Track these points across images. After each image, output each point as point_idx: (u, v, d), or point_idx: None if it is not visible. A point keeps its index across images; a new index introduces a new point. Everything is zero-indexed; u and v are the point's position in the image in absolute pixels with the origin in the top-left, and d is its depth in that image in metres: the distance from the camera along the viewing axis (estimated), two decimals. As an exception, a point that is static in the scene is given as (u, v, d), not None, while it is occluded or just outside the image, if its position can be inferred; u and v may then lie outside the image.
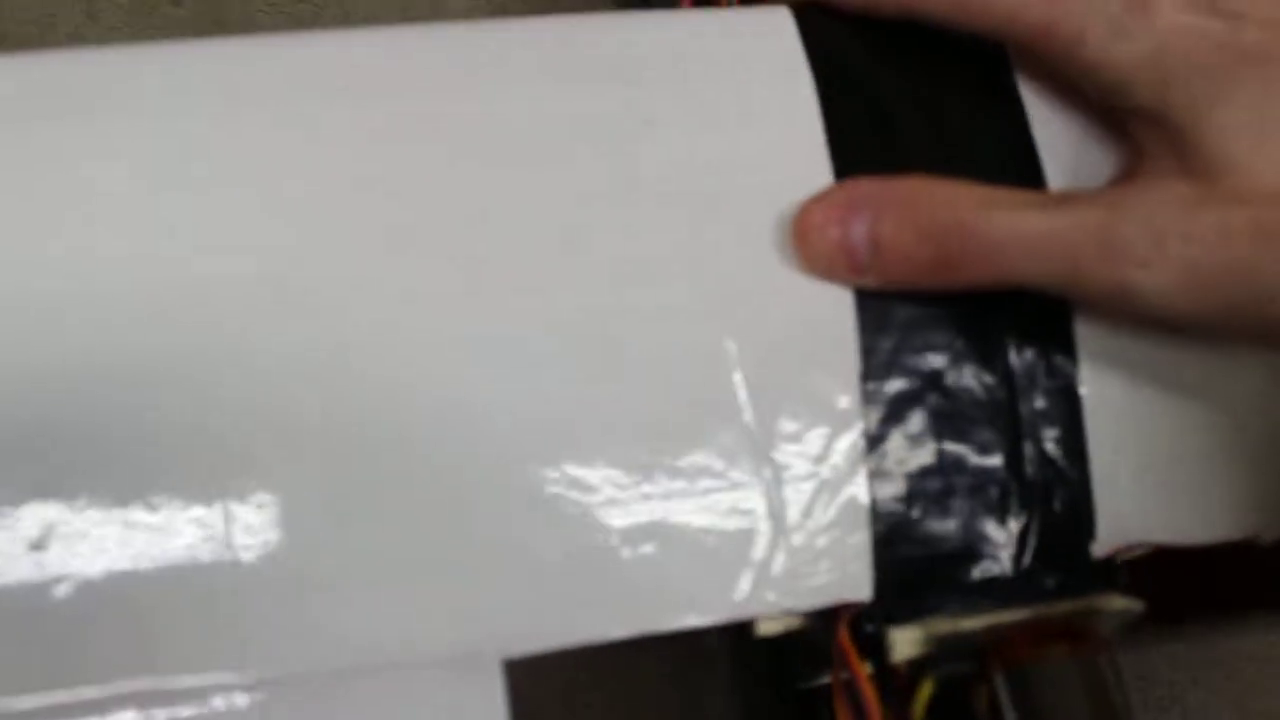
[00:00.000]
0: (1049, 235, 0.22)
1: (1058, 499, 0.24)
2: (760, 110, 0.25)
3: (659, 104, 0.25)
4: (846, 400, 0.24)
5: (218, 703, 0.22)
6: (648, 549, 0.23)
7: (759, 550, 0.23)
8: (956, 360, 0.24)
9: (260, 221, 0.24)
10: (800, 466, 0.23)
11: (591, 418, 0.23)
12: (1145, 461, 0.24)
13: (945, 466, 0.24)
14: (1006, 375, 0.24)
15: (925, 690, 0.24)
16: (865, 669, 0.23)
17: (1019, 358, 0.24)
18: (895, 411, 0.24)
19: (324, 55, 0.26)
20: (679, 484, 0.23)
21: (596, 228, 0.24)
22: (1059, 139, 0.25)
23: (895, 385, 0.24)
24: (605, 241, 0.24)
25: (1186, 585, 0.29)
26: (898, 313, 0.24)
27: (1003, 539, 0.23)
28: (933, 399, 0.24)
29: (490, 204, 0.24)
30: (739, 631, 0.24)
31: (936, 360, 0.24)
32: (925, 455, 0.24)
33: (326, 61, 0.26)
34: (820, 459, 0.23)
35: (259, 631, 0.22)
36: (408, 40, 0.27)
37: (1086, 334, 0.24)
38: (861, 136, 0.25)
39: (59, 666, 0.21)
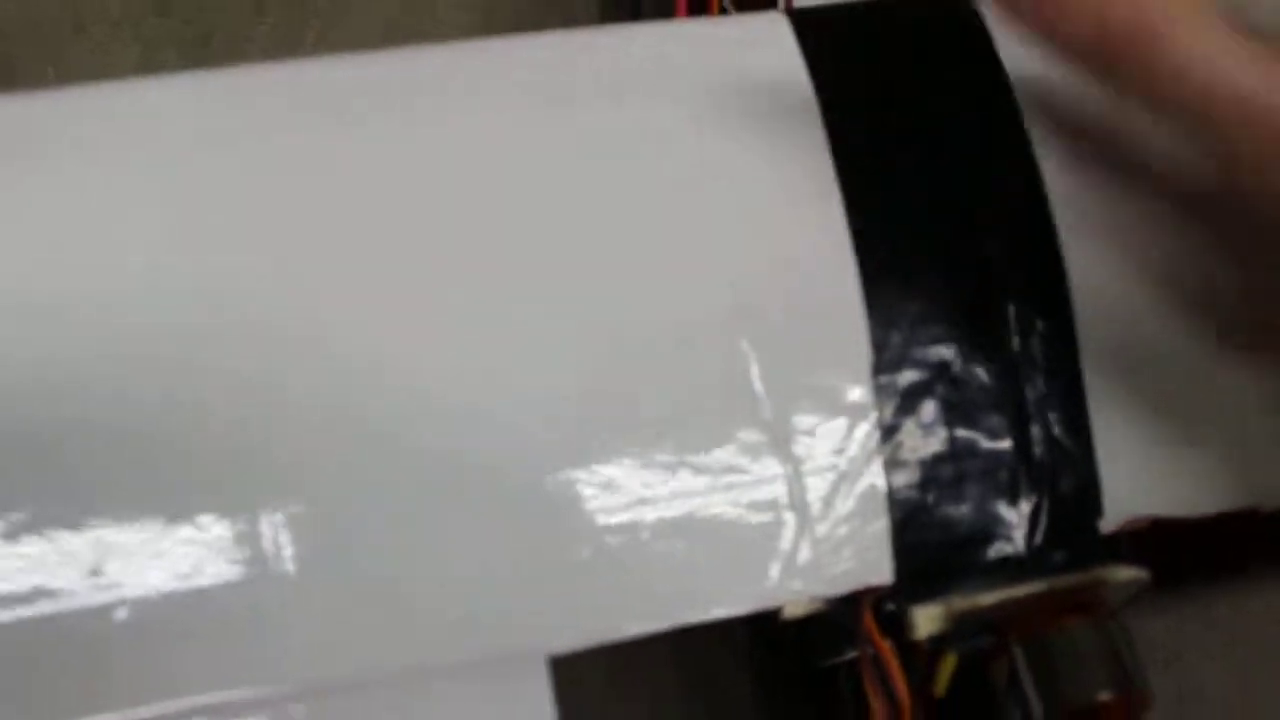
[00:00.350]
0: (1253, 94, 0.19)
1: (1065, 479, 0.25)
2: (764, 118, 0.26)
3: (668, 116, 0.26)
4: (860, 393, 0.25)
5: (274, 714, 0.23)
6: (679, 545, 0.24)
7: (785, 542, 0.24)
8: (964, 351, 0.25)
9: (284, 244, 0.25)
10: (819, 459, 0.25)
11: (617, 421, 0.24)
12: (1147, 439, 0.25)
13: (957, 453, 0.25)
14: (1011, 363, 0.25)
15: (948, 664, 0.25)
16: (889, 647, 0.25)
17: (1023, 346, 0.25)
18: (907, 402, 0.25)
19: (324, 80, 0.27)
20: (704, 480, 0.24)
21: (612, 239, 0.25)
22: (1053, 135, 0.26)
23: (906, 377, 0.25)
24: (621, 252, 0.25)
25: (1186, 549, 0.30)
26: (907, 308, 0.25)
27: (1015, 519, 0.25)
28: (942, 389, 0.25)
29: (508, 220, 0.25)
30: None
31: (945, 352, 0.25)
32: (937, 443, 0.25)
33: (326, 86, 0.27)
34: (838, 451, 0.25)
35: (311, 641, 0.23)
36: (401, 63, 0.28)
37: (1087, 319, 0.25)
38: (861, 141, 0.26)
39: (127, 686, 0.22)
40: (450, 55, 0.28)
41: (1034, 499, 0.25)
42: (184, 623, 0.23)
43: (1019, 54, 0.27)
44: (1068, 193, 0.26)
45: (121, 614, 0.23)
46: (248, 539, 0.23)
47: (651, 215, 0.26)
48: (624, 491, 0.24)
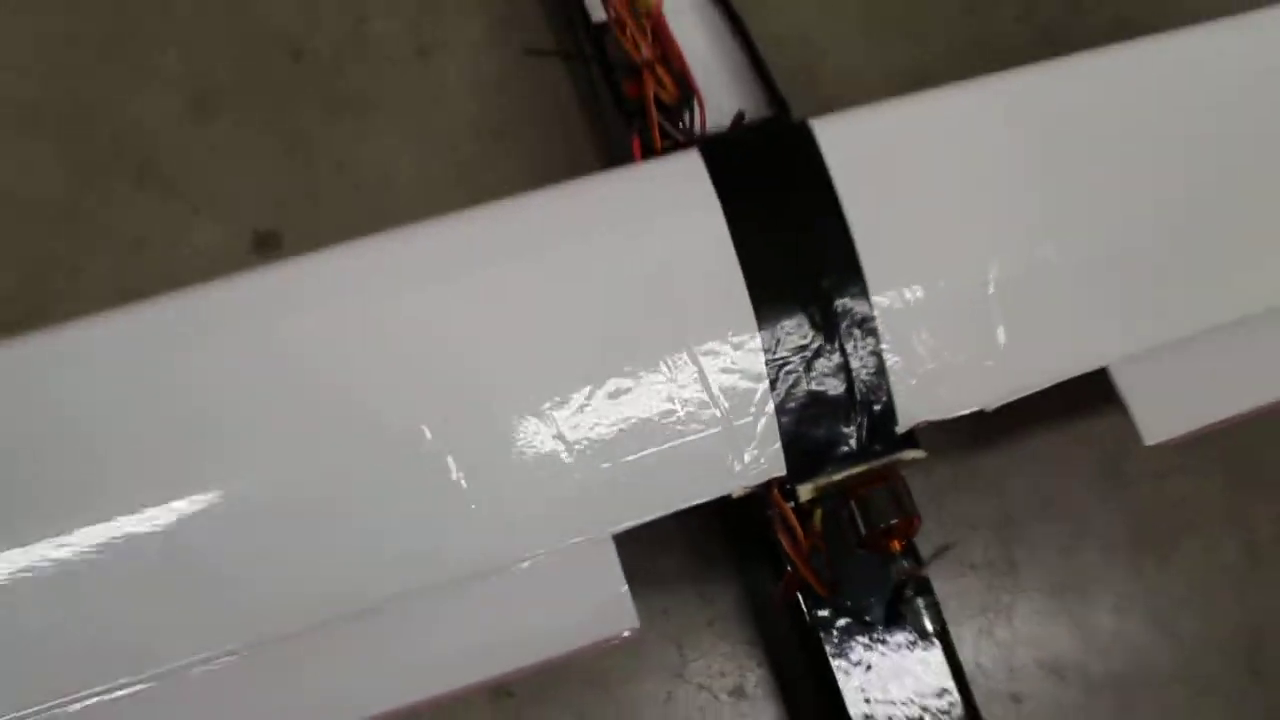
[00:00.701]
0: None
1: (874, 408, 0.46)
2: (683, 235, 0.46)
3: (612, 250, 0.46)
4: (759, 370, 0.45)
5: (404, 608, 0.43)
6: (675, 467, 0.44)
7: (728, 460, 0.45)
8: (814, 343, 0.46)
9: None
10: (742, 410, 0.45)
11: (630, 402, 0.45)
12: (920, 380, 0.46)
13: (815, 399, 0.45)
14: (840, 347, 0.46)
15: (818, 514, 0.46)
16: (789, 507, 0.46)
17: (847, 335, 0.46)
18: (784, 374, 0.45)
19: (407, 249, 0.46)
20: (688, 431, 0.45)
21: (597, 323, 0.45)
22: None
23: (783, 358, 0.45)
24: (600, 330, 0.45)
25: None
26: (781, 321, 0.45)
27: (850, 432, 0.46)
28: (804, 364, 0.45)
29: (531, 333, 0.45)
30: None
31: (804, 343, 0.45)
32: (803, 394, 0.45)
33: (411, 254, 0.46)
34: (751, 405, 0.45)
35: (443, 542, 0.44)
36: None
37: (884, 324, 0.46)
38: (749, 229, 0.46)
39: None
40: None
41: (858, 420, 0.46)
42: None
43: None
44: (869, 237, 0.46)
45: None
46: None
47: (623, 313, 0.46)
48: (643, 443, 0.44)
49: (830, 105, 0.50)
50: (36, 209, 0.65)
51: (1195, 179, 0.52)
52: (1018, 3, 0.73)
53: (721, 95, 0.56)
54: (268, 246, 0.63)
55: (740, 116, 0.53)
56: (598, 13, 0.59)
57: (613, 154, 0.57)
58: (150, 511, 0.42)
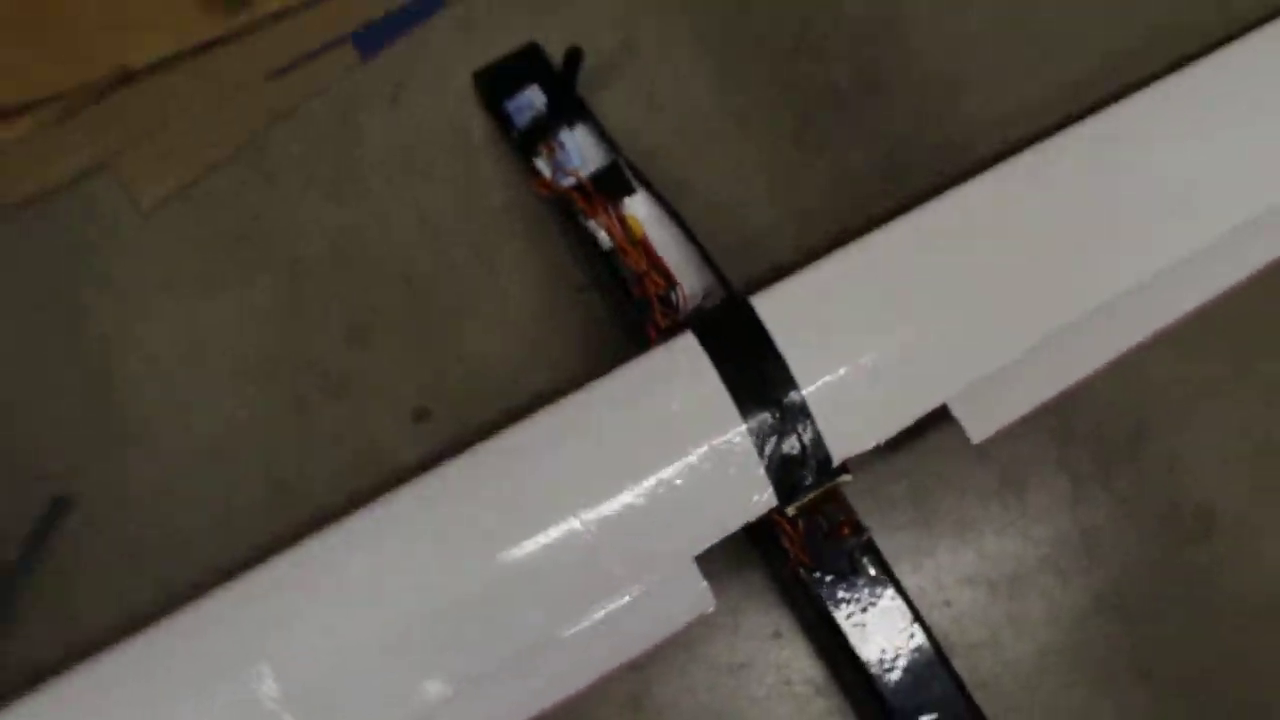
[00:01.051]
0: None
1: (818, 454, 0.82)
2: (691, 380, 0.82)
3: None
4: (750, 446, 0.81)
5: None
6: (715, 505, 0.80)
7: (749, 500, 0.81)
8: (776, 423, 0.81)
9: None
10: (747, 469, 0.81)
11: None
12: (839, 435, 0.82)
13: (782, 457, 0.81)
14: (795, 426, 0.82)
15: (800, 521, 0.83)
16: (784, 520, 0.82)
17: (798, 419, 0.82)
18: (761, 442, 0.81)
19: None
20: (724, 480, 0.81)
21: (658, 448, 0.81)
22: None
23: (758, 435, 0.81)
24: (659, 445, 0.81)
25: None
26: (760, 415, 0.81)
27: (807, 473, 0.82)
28: (773, 434, 0.81)
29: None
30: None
31: (770, 422, 0.81)
32: (775, 455, 0.81)
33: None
34: (748, 466, 0.81)
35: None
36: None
37: (814, 408, 0.82)
38: (734, 375, 0.82)
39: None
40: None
41: (810, 464, 0.82)
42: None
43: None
44: (798, 361, 0.82)
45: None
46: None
47: (672, 431, 0.82)
48: (703, 494, 0.80)
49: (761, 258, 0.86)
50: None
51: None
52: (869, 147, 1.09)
53: (693, 278, 0.92)
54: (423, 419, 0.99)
55: (715, 295, 0.90)
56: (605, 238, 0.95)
57: (631, 335, 0.93)
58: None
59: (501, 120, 1.02)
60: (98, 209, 1.00)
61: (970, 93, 1.03)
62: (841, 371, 0.83)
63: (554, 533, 0.78)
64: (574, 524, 0.77)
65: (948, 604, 0.95)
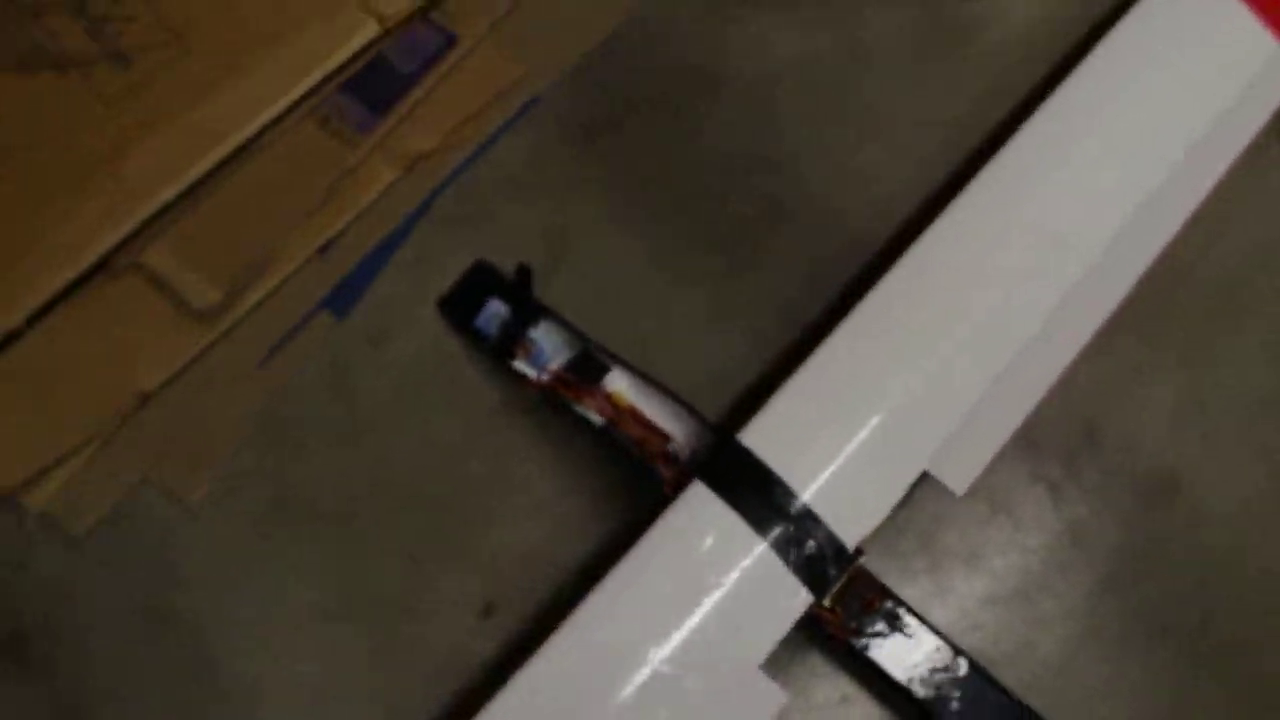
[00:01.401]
0: None
1: (834, 547, 0.96)
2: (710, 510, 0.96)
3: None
4: (773, 559, 0.95)
5: None
6: (770, 611, 0.94)
7: (787, 608, 0.94)
8: (789, 534, 0.96)
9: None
10: (779, 579, 0.95)
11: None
12: (846, 526, 0.96)
13: (806, 558, 0.95)
14: (808, 529, 0.96)
15: (839, 610, 0.97)
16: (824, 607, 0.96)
17: (809, 524, 0.96)
18: (784, 550, 0.95)
19: None
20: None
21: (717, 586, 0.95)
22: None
23: (780, 546, 0.95)
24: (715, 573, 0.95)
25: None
26: (776, 521, 0.95)
27: (828, 564, 0.96)
28: (794, 543, 0.95)
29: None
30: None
31: (790, 533, 0.95)
32: (798, 560, 0.95)
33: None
34: (777, 575, 0.95)
35: None
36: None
37: (820, 510, 0.96)
38: (748, 502, 0.96)
39: None
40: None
41: (829, 558, 0.96)
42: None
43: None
44: (792, 477, 0.97)
45: None
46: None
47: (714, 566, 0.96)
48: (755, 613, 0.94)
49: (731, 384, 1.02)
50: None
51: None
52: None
53: (684, 427, 1.06)
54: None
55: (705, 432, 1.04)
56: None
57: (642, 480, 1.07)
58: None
59: (474, 336, 1.16)
60: (155, 515, 1.13)
61: (853, 191, 1.20)
62: (830, 470, 0.98)
63: (639, 679, 0.91)
64: (662, 669, 0.91)
65: (977, 627, 1.09)
